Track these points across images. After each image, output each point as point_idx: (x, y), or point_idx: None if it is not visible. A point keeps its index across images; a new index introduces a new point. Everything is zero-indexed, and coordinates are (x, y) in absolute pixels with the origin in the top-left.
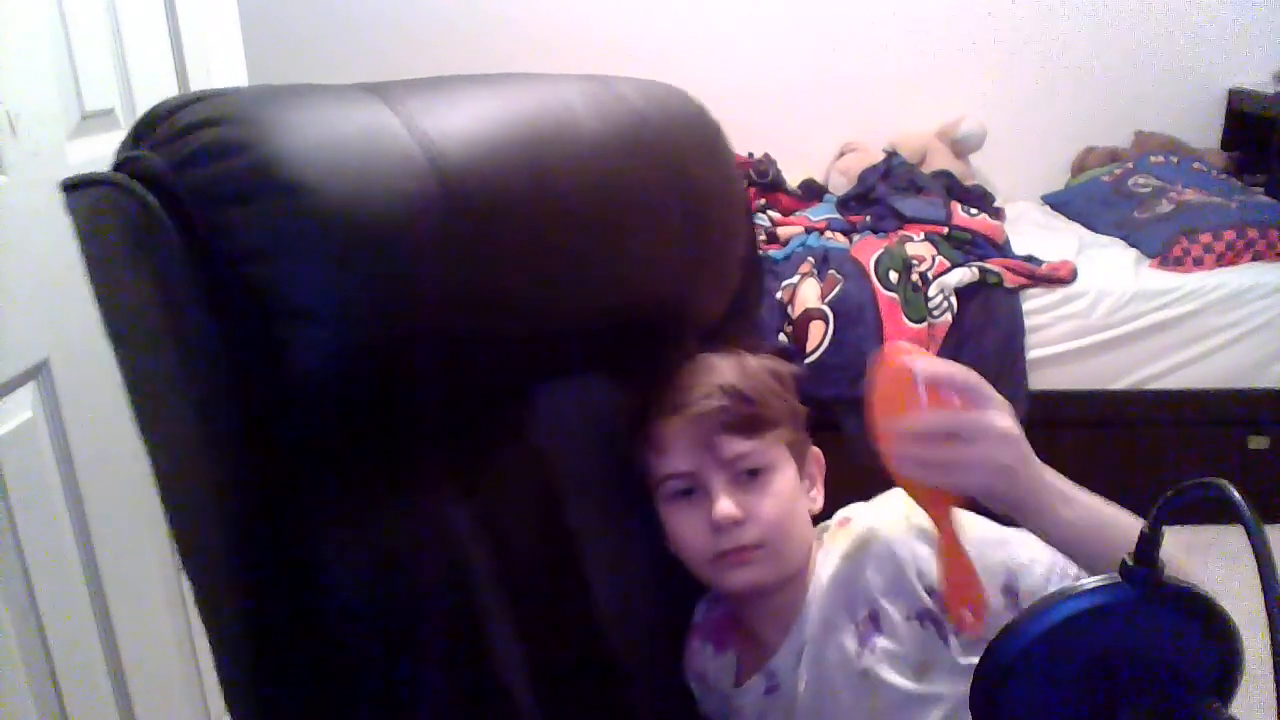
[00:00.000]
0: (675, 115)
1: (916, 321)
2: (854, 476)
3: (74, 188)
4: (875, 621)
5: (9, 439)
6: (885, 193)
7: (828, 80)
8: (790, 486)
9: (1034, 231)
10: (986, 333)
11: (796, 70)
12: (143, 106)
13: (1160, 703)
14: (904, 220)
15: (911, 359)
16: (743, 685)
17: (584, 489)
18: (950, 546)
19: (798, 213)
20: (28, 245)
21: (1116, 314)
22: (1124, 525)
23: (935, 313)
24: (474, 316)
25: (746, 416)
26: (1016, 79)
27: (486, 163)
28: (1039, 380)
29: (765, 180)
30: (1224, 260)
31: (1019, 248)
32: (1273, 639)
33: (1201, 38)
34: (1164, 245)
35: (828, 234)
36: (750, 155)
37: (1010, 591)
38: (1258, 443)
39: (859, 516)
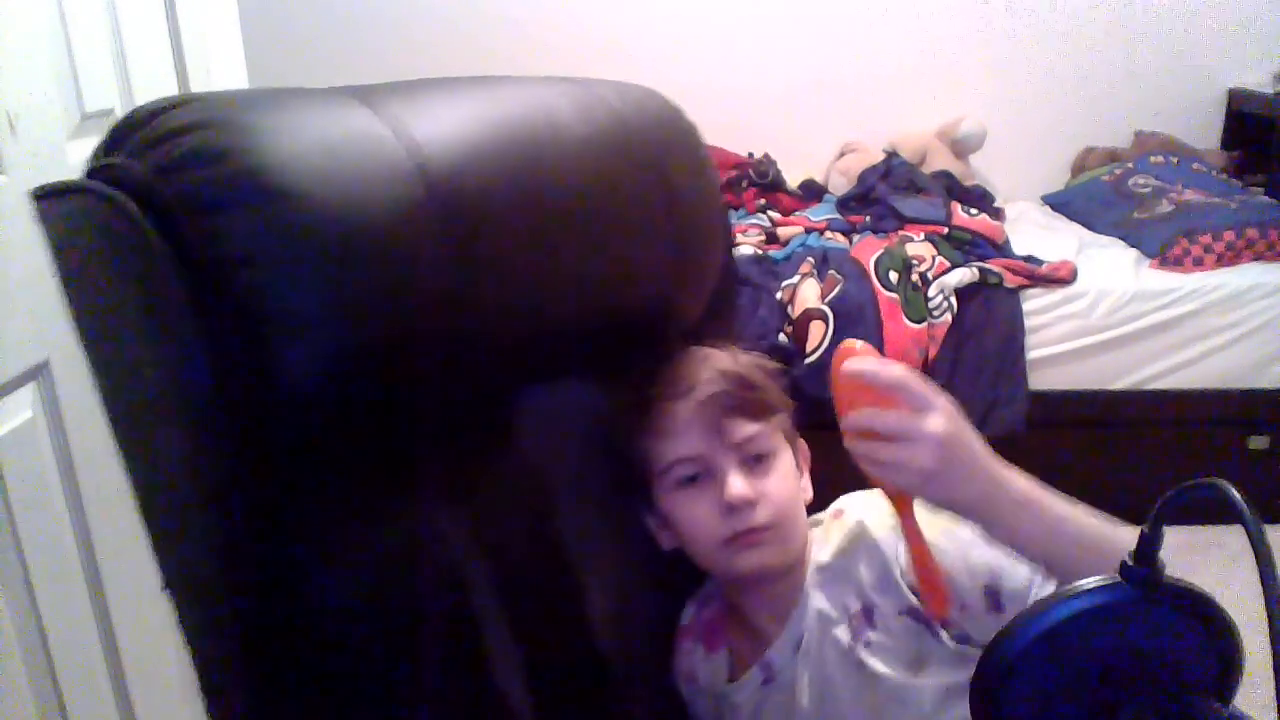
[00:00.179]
0: (654, 116)
1: (916, 322)
2: (854, 475)
3: (46, 196)
4: (868, 616)
5: (9, 439)
6: (885, 193)
7: (828, 80)
8: (792, 471)
9: (1034, 232)
10: (987, 333)
11: (796, 70)
12: None
13: (1160, 703)
14: (904, 220)
15: (851, 362)
16: (738, 681)
17: (573, 491)
18: (910, 539)
19: (798, 213)
20: (28, 245)
21: (1116, 314)
22: (1105, 537)
23: (935, 313)
24: (464, 321)
25: (751, 400)
26: (1016, 79)
27: (472, 167)
28: (1039, 380)
29: (765, 180)
30: (1224, 260)
31: (1019, 248)
32: (1273, 639)
33: (1201, 38)
34: (1164, 245)
35: (828, 234)
36: (750, 155)
37: (992, 592)
38: (1258, 443)
39: (851, 509)
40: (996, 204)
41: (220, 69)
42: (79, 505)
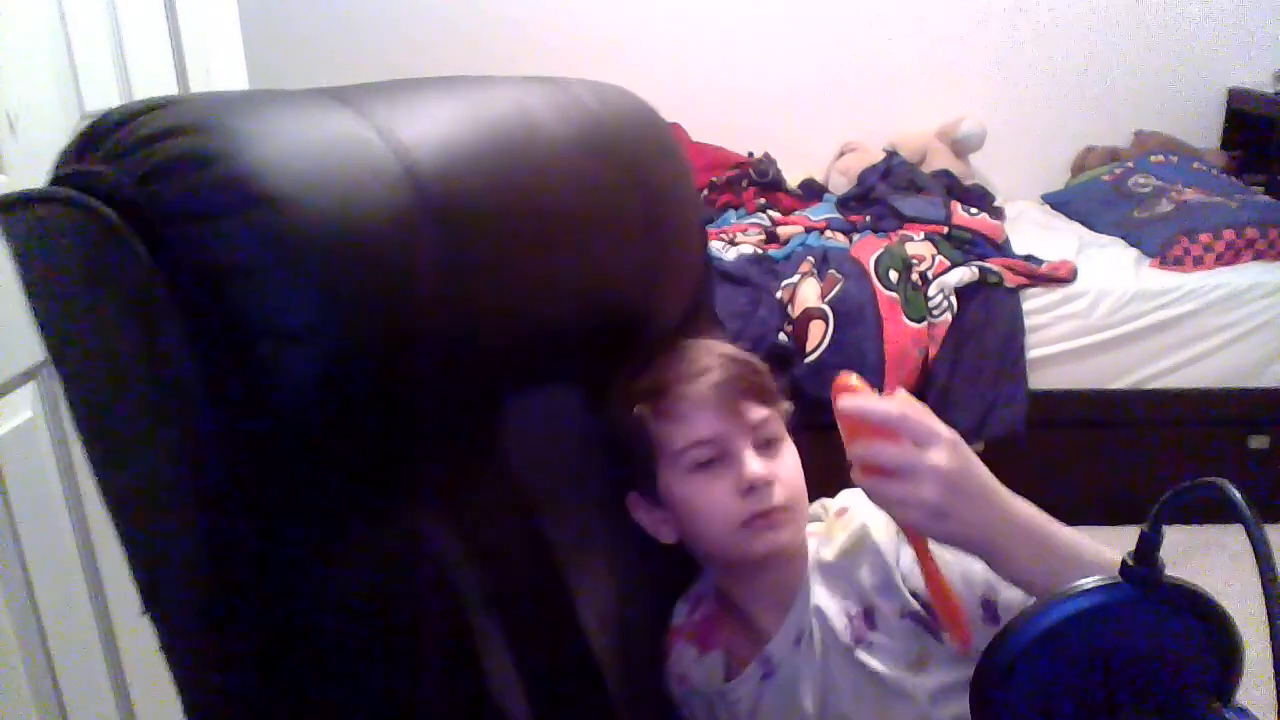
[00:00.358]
0: (629, 115)
1: (916, 321)
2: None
3: (9, 205)
4: (869, 617)
5: (9, 439)
6: (885, 192)
7: (828, 80)
8: (798, 459)
9: (1034, 231)
10: (987, 332)
11: (796, 70)
12: None
13: (1160, 703)
14: (904, 220)
15: (846, 399)
16: (736, 679)
17: (559, 498)
18: (927, 572)
19: (798, 212)
20: None
21: (1117, 314)
22: (1108, 566)
23: (935, 312)
24: (459, 325)
25: (762, 384)
26: (1017, 79)
27: (459, 169)
28: (1039, 380)
29: (765, 180)
30: (1224, 260)
31: (1019, 247)
32: (1273, 639)
33: (1201, 38)
34: (1164, 245)
35: (828, 233)
36: (750, 155)
37: (989, 604)
38: (1258, 442)
39: (855, 509)
40: (996, 203)
41: (220, 69)
42: (79, 505)
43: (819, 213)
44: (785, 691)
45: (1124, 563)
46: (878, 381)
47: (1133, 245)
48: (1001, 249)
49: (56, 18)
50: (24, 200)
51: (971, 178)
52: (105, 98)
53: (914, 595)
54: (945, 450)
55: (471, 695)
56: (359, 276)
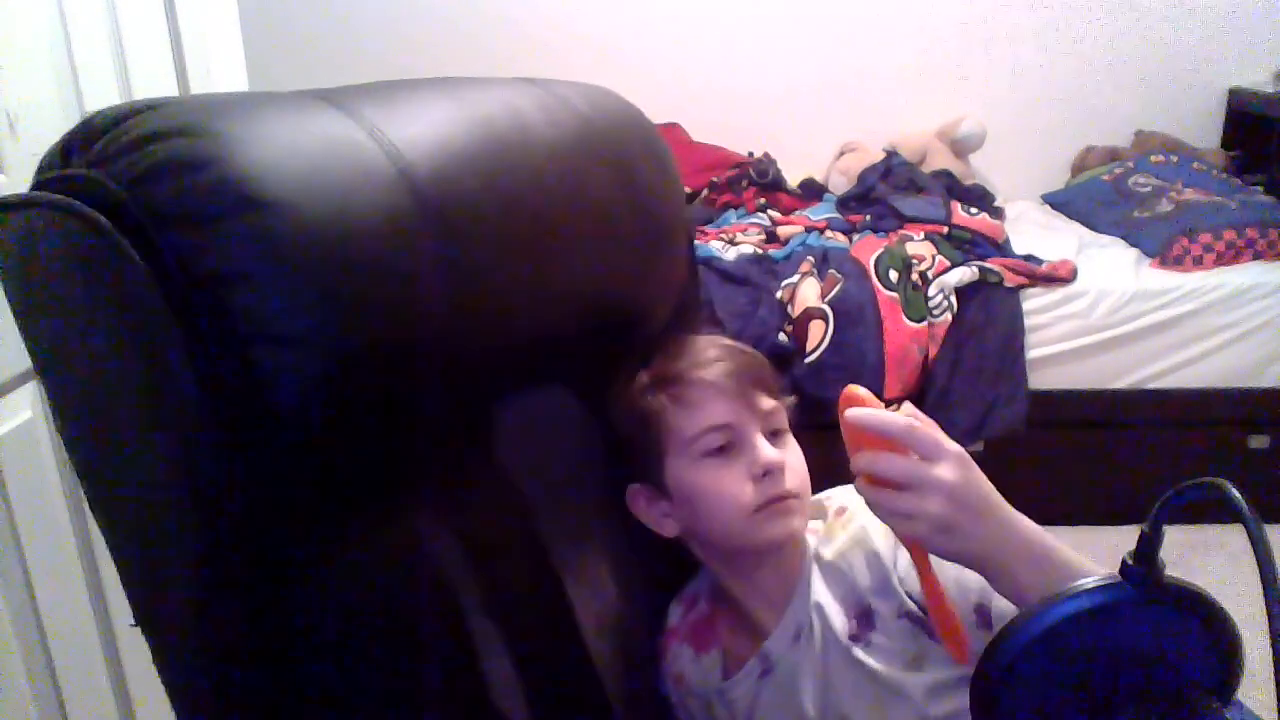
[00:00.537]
0: (616, 117)
1: (916, 321)
2: (853, 477)
3: None
4: (867, 618)
5: (9, 439)
6: (885, 192)
7: (828, 80)
8: (800, 452)
9: (1034, 231)
10: (987, 332)
11: (797, 70)
12: None
13: (1160, 703)
14: (904, 220)
15: (853, 411)
16: (734, 677)
17: (555, 499)
18: (925, 584)
19: (798, 212)
20: None
21: (1116, 313)
22: None
23: (935, 312)
24: (454, 330)
25: (768, 376)
26: (1016, 79)
27: (452, 171)
28: (1039, 380)
29: (765, 180)
30: (1224, 260)
31: (1019, 247)
32: (1273, 639)
33: (1201, 37)
34: (1164, 245)
35: (828, 233)
36: (750, 154)
37: (983, 610)
38: (1258, 442)
39: (854, 509)
40: (996, 203)
41: (220, 69)
42: (79, 505)
43: (819, 213)
44: (784, 688)
45: (1124, 563)
46: (878, 381)
47: (1133, 245)
48: (1001, 249)
49: (56, 18)
50: (8, 205)
51: (971, 178)
52: (105, 98)
53: (910, 597)
54: (952, 465)
55: (471, 697)
56: (355, 280)
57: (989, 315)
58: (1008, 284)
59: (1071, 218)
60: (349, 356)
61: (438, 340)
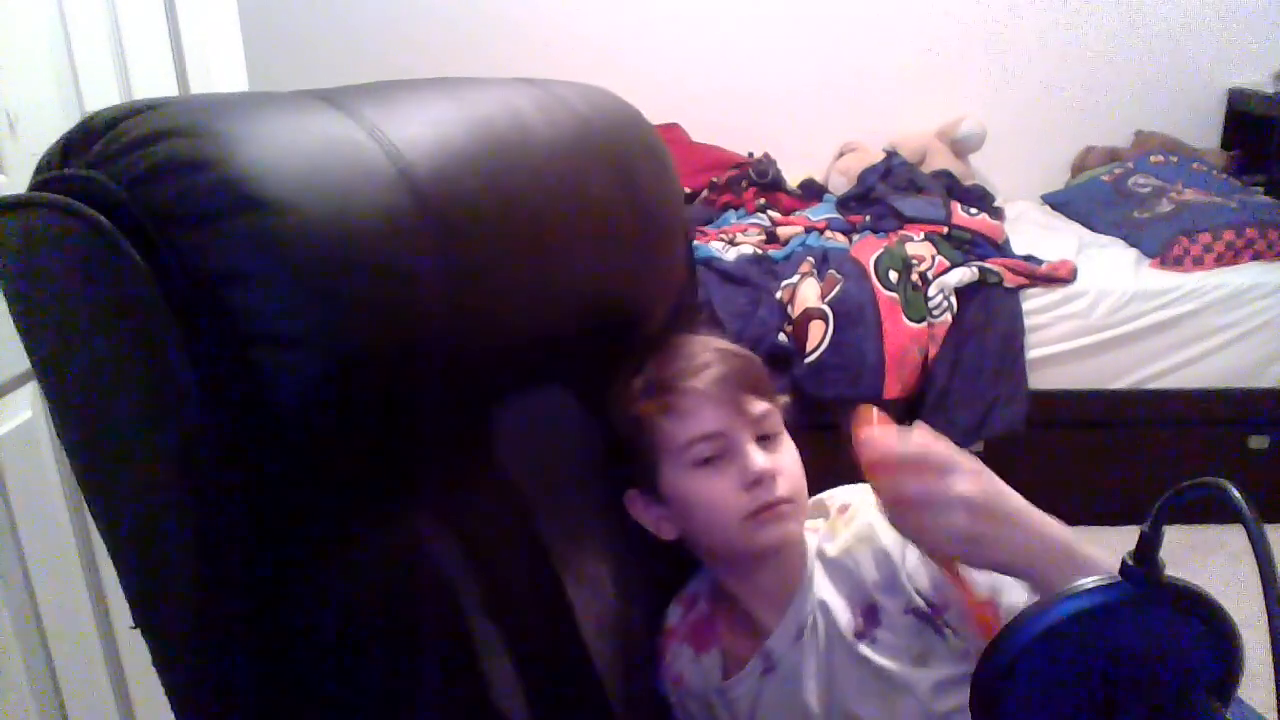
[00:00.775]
0: (614, 117)
1: (916, 321)
2: (852, 477)
3: None
4: (873, 615)
5: (9, 439)
6: (885, 193)
7: (828, 80)
8: (797, 453)
9: (1034, 231)
10: (986, 332)
11: (797, 70)
12: None
13: (1160, 703)
14: (904, 220)
15: (867, 432)
16: (735, 676)
17: (554, 500)
18: (960, 594)
19: (798, 212)
20: None
21: (1116, 314)
22: None
23: (935, 312)
24: (454, 330)
25: (759, 378)
26: (1016, 79)
27: (452, 170)
28: (1039, 380)
29: (765, 180)
30: (1224, 260)
31: (1019, 247)
32: (1273, 639)
33: (1201, 37)
34: (1164, 245)
35: (828, 234)
36: (750, 155)
37: (991, 605)
38: (1258, 443)
39: (859, 506)
40: (996, 203)
41: (220, 69)
42: (79, 505)
43: (819, 213)
44: (787, 685)
45: (1124, 563)
46: (878, 382)
47: (1132, 245)
48: (1001, 249)
49: (56, 18)
50: (7, 206)
51: (971, 178)
52: (105, 98)
53: (919, 594)
54: (970, 478)
55: (471, 698)
56: (356, 280)
57: (989, 315)
58: (1007, 284)
59: (1071, 218)
60: (349, 356)
61: (438, 340)
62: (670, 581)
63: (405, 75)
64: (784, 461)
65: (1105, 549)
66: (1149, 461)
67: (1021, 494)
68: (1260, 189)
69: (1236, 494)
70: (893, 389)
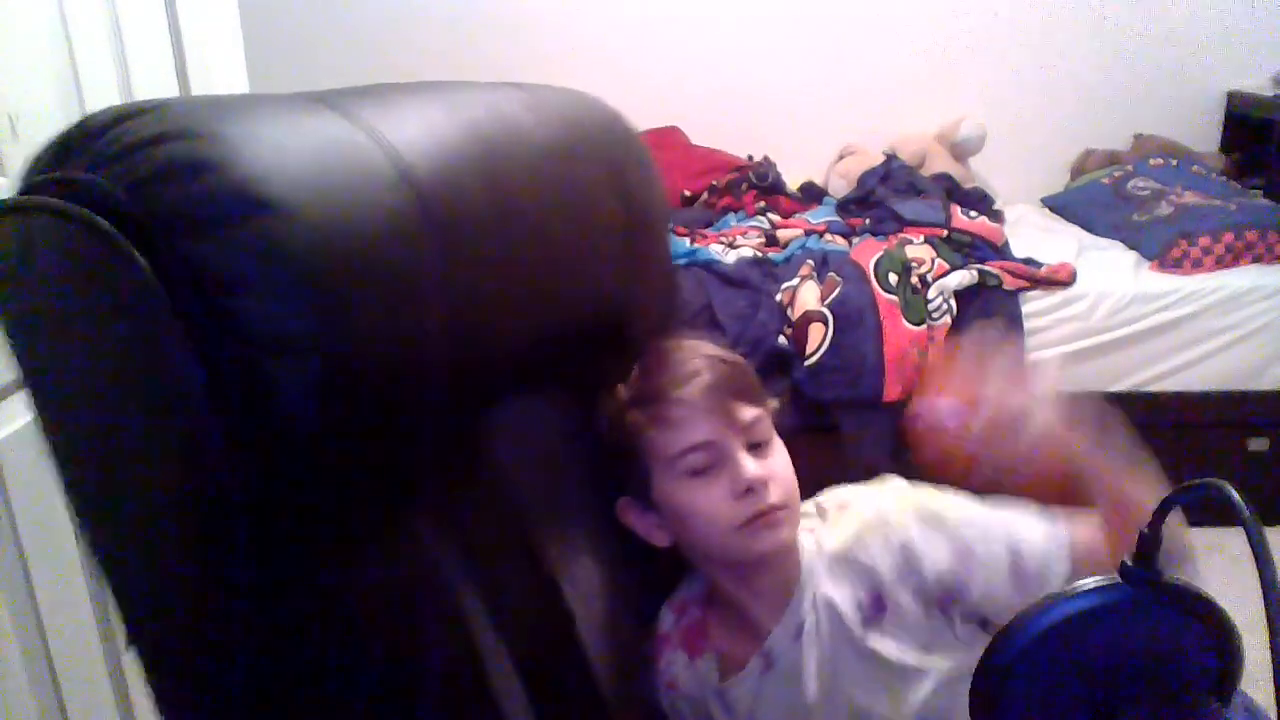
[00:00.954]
0: (602, 121)
1: (916, 324)
2: (852, 478)
3: None
4: (880, 603)
5: (10, 441)
6: (885, 195)
7: (827, 83)
8: (788, 457)
9: (1033, 234)
10: (987, 334)
11: (796, 73)
12: None
13: (1160, 703)
14: (903, 223)
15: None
16: (734, 677)
17: (548, 506)
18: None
19: (797, 215)
20: None
21: (1116, 316)
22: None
23: (935, 315)
24: (457, 334)
25: (749, 384)
26: (1016, 82)
27: (450, 174)
28: None
29: (765, 183)
30: (1223, 263)
31: (1018, 250)
32: (1272, 639)
33: (1201, 41)
34: (1163, 248)
35: (827, 236)
36: (750, 158)
37: (1014, 550)
38: (1257, 444)
39: (859, 500)
40: (996, 206)
41: (220, 69)
42: None
43: (819, 216)
44: (786, 681)
45: (1124, 563)
46: (878, 384)
47: (1132, 248)
48: (1001, 252)
49: (56, 18)
50: (3, 209)
51: (971, 181)
52: (105, 98)
53: (934, 579)
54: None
55: (473, 703)
56: (364, 284)
57: (988, 318)
58: (1007, 287)
59: (1071, 221)
60: (356, 361)
61: (440, 343)
62: (661, 585)
63: (405, 76)
64: (775, 467)
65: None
66: (1149, 462)
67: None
68: (1259, 192)
69: (1236, 496)
70: (892, 391)
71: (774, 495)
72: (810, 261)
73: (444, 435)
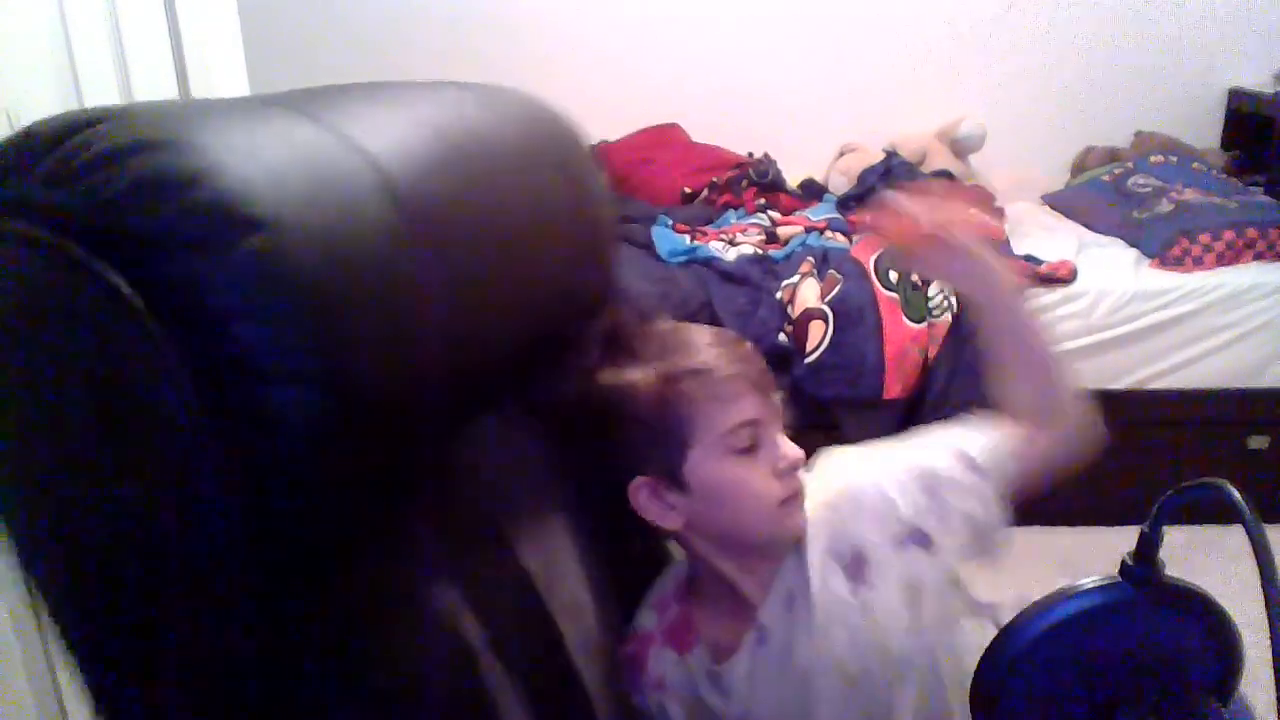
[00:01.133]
0: (549, 121)
1: (916, 321)
2: None
3: None
4: (861, 560)
5: None
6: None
7: (828, 80)
8: None
9: (1034, 231)
10: None
11: (797, 70)
12: None
13: (1160, 703)
14: None
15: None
16: (730, 660)
17: (529, 522)
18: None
19: (798, 212)
20: None
21: (1116, 314)
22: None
23: (935, 312)
24: (450, 349)
25: (767, 369)
26: (1016, 79)
27: (426, 182)
28: None
29: (765, 180)
30: (1224, 260)
31: (1019, 248)
32: (1273, 639)
33: (1201, 38)
34: (1164, 245)
35: (828, 234)
36: (750, 155)
37: (927, 474)
38: (1257, 443)
39: (826, 467)
40: (996, 204)
41: (220, 69)
42: None
43: (819, 213)
44: (781, 655)
45: (1124, 563)
46: (878, 382)
47: (1132, 245)
48: (1001, 249)
49: (56, 18)
50: None
51: (971, 178)
52: (105, 97)
53: (909, 517)
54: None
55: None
56: (364, 303)
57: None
58: None
59: (1071, 218)
60: (359, 385)
61: (435, 359)
62: (642, 587)
63: (405, 76)
64: (800, 449)
65: (1105, 549)
66: (1149, 461)
67: (1022, 493)
68: (1260, 189)
69: (1236, 494)
70: (893, 389)
71: (801, 476)
72: (810, 259)
73: (439, 455)
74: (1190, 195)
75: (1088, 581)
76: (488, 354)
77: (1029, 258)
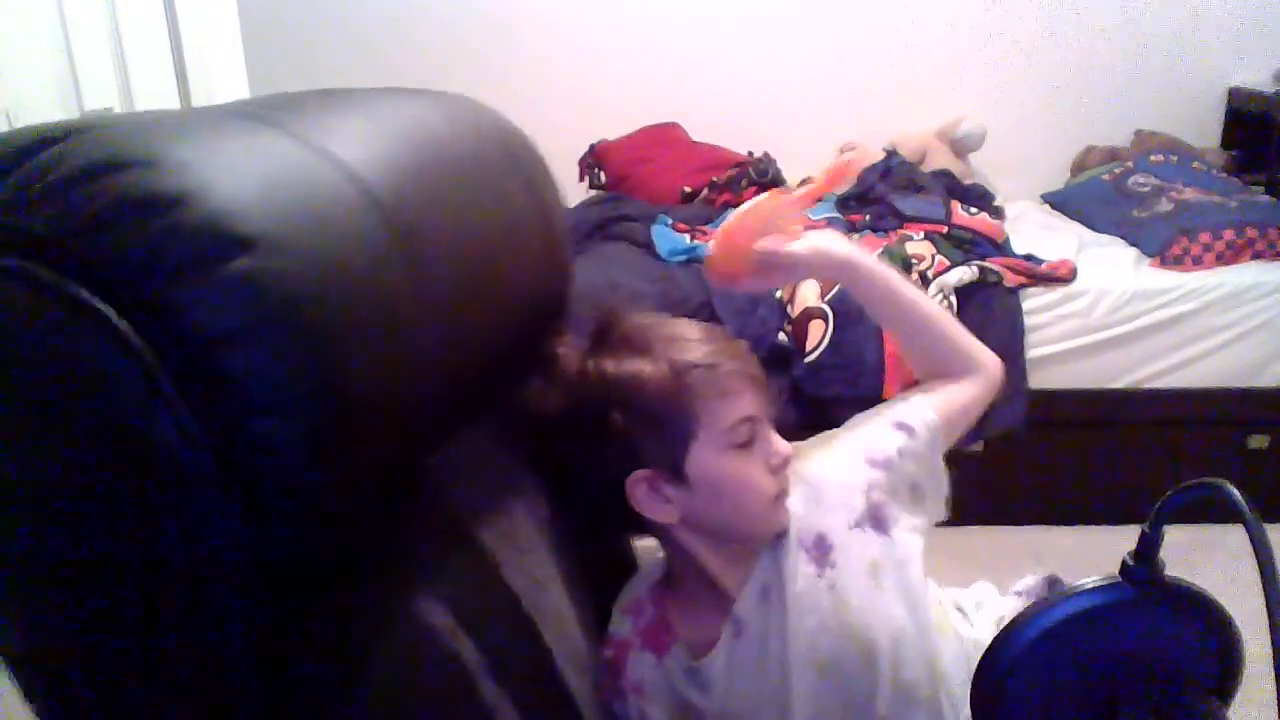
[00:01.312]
0: (501, 128)
1: None
2: None
3: None
4: (823, 544)
5: None
6: (885, 192)
7: (828, 80)
8: None
9: (1034, 231)
10: (986, 332)
11: (797, 70)
12: (142, 107)
13: (1160, 703)
14: (904, 219)
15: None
16: (708, 655)
17: (511, 534)
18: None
19: None
20: None
21: (1116, 313)
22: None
23: None
24: (436, 366)
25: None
26: (1016, 79)
27: (402, 194)
28: (1039, 379)
29: (765, 179)
30: (1224, 259)
31: (1019, 247)
32: (1273, 639)
33: (1201, 37)
34: (1164, 244)
35: None
36: (750, 154)
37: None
38: (1257, 442)
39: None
40: (996, 203)
41: (220, 70)
42: None
43: (819, 212)
44: (757, 646)
45: (1124, 563)
46: (878, 381)
47: (1132, 245)
48: (1001, 248)
49: (56, 18)
50: None
51: (971, 177)
52: (105, 98)
53: (871, 500)
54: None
55: None
56: (360, 324)
57: (989, 315)
58: (1007, 284)
59: (1071, 217)
60: (355, 407)
61: (426, 379)
62: (608, 590)
63: (405, 76)
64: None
65: (1105, 549)
66: (1149, 461)
67: (1022, 494)
68: (1260, 188)
69: (1236, 494)
70: (892, 388)
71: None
72: None
73: (440, 479)
74: (1190, 194)
75: (1088, 581)
76: (470, 366)
77: (1029, 257)
